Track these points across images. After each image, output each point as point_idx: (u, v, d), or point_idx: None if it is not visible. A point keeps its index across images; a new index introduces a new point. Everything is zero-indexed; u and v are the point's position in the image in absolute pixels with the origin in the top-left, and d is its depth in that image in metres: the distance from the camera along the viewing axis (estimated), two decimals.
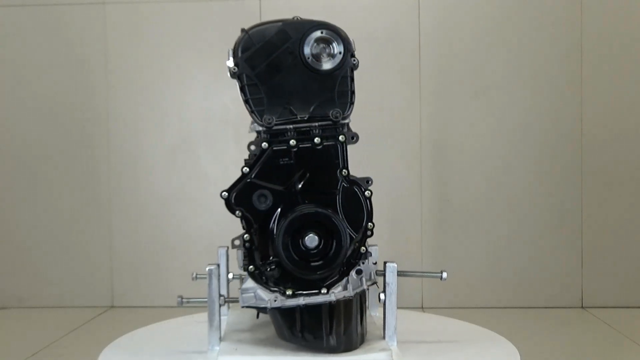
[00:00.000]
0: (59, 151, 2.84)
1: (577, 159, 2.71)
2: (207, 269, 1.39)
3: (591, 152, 2.71)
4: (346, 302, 1.29)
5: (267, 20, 1.31)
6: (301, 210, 1.27)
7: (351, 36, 2.67)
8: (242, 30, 1.32)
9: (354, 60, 1.28)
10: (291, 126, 1.29)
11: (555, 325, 2.47)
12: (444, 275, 1.38)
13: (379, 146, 2.74)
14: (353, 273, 1.30)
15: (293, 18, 1.32)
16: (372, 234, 1.29)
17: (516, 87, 2.73)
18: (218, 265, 1.39)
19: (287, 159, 1.29)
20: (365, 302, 1.37)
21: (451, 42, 2.74)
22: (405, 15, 2.74)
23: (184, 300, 1.47)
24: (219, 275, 1.39)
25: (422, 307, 2.74)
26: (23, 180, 2.84)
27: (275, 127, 1.29)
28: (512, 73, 2.72)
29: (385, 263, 1.31)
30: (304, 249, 1.27)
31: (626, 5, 2.70)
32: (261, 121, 1.29)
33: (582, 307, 2.72)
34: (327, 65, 1.27)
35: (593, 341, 2.28)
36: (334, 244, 1.26)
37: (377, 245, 1.52)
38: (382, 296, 1.33)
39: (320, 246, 1.27)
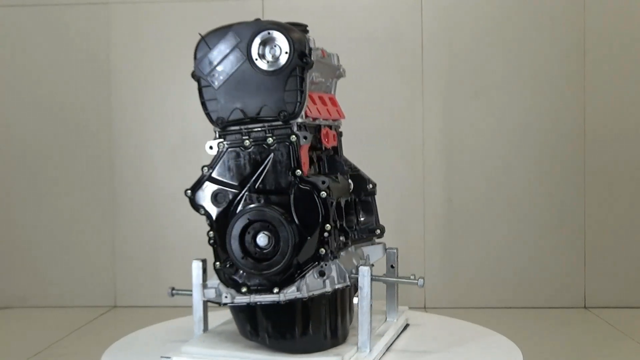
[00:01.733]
0: (61, 151, 2.84)
1: (579, 159, 2.71)
2: (193, 262, 1.43)
3: (593, 152, 2.71)
4: (304, 304, 1.28)
5: (224, 25, 1.33)
6: (248, 210, 1.28)
7: (352, 36, 2.67)
8: (200, 34, 1.35)
9: (305, 60, 1.28)
10: (244, 127, 1.31)
11: (558, 326, 2.47)
12: (420, 282, 1.35)
13: (380, 146, 2.74)
14: (315, 274, 1.29)
15: (254, 20, 1.33)
16: (329, 235, 1.28)
17: (518, 87, 2.72)
18: (203, 260, 1.42)
19: (241, 159, 1.31)
20: (342, 304, 1.34)
21: (453, 43, 2.74)
22: (407, 16, 2.74)
23: (174, 291, 1.51)
24: (205, 270, 1.42)
25: (425, 307, 2.74)
26: (26, 181, 2.85)
27: (229, 128, 1.32)
28: (514, 73, 2.72)
29: (358, 267, 1.30)
30: (254, 248, 1.28)
31: (628, 5, 2.69)
32: (215, 122, 1.32)
33: (584, 307, 2.71)
34: (273, 66, 1.28)
35: (595, 341, 2.27)
36: (280, 243, 1.26)
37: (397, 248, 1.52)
38: (355, 300, 1.30)
39: (271, 246, 1.27)
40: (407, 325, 1.60)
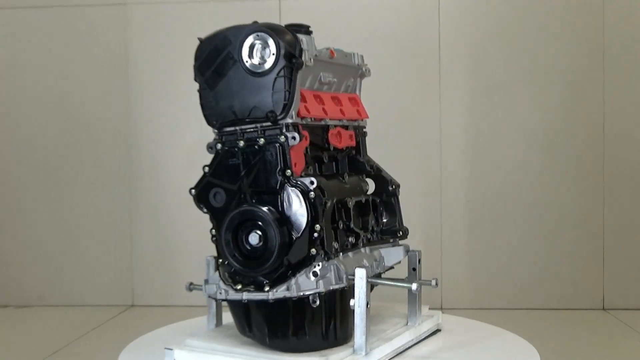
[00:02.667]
0: (79, 151, 2.87)
1: (598, 159, 2.69)
2: (206, 258, 1.47)
3: (612, 152, 2.68)
4: (296, 303, 1.28)
5: (221, 29, 1.36)
6: (239, 209, 1.30)
7: (369, 35, 2.66)
8: (198, 39, 1.39)
9: (294, 61, 1.30)
10: (237, 128, 1.33)
11: (576, 327, 2.45)
12: (414, 286, 1.34)
13: (397, 146, 2.73)
14: (310, 274, 1.29)
15: (252, 22, 1.36)
16: (320, 235, 1.28)
17: (537, 86, 2.70)
18: (215, 257, 1.44)
19: (235, 160, 1.33)
20: (342, 306, 1.33)
21: (471, 41, 2.72)
22: (424, 14, 2.73)
23: (191, 286, 1.55)
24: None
25: (442, 308, 2.73)
26: (45, 181, 2.88)
27: (225, 129, 1.35)
28: (533, 72, 2.70)
29: (355, 268, 1.29)
30: (245, 246, 1.30)
31: None
32: (210, 124, 1.36)
33: (603, 308, 2.69)
34: (261, 67, 1.31)
35: (614, 343, 2.25)
36: (268, 243, 1.27)
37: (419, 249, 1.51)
38: (351, 302, 1.30)
39: (261, 245, 1.29)
40: (437, 331, 1.55)
